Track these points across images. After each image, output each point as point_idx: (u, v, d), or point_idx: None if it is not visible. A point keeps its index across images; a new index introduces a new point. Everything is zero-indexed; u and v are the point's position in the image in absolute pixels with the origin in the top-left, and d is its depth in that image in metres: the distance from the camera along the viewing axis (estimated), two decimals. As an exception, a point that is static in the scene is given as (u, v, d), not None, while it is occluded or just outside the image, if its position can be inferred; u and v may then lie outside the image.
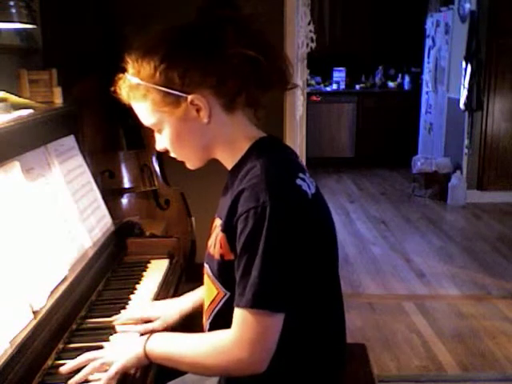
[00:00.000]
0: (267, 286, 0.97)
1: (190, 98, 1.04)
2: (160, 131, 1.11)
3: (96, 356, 1.13)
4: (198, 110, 1.06)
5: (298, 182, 1.03)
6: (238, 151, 1.11)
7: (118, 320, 1.34)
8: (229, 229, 1.04)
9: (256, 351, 1.00)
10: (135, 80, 1.06)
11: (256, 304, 0.97)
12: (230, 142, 1.11)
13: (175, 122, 1.07)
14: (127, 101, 1.10)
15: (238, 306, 1.00)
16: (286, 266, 0.99)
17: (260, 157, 1.05)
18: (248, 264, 0.98)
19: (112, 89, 1.10)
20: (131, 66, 1.07)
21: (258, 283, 0.96)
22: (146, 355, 1.10)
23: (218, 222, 1.11)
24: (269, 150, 1.08)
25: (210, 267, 1.14)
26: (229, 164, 1.14)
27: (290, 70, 1.11)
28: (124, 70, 1.08)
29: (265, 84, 1.08)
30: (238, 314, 1.00)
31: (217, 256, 1.08)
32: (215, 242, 1.10)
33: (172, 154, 1.15)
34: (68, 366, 1.12)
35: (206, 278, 1.17)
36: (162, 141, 1.13)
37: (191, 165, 1.16)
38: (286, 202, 0.99)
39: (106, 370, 1.10)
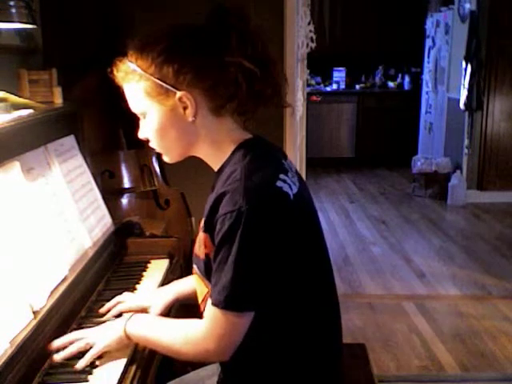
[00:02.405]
0: (237, 291, 1.01)
1: (178, 94, 1.06)
2: (145, 118, 1.13)
3: (81, 336, 1.20)
4: (184, 108, 1.08)
5: (279, 183, 1.04)
6: (223, 153, 1.12)
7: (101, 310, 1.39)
8: (210, 228, 1.06)
9: (222, 344, 1.05)
10: (133, 66, 1.08)
11: (226, 306, 1.02)
12: (216, 143, 1.13)
13: (162, 113, 1.09)
14: (121, 82, 1.12)
15: (210, 301, 1.04)
16: (258, 271, 1.02)
17: (241, 160, 1.07)
18: (220, 264, 1.02)
19: (109, 69, 1.12)
20: (131, 52, 1.09)
21: (229, 287, 1.00)
22: (127, 336, 1.17)
23: (203, 222, 1.13)
24: (251, 153, 1.09)
25: (197, 267, 1.17)
26: (214, 164, 1.16)
27: (285, 88, 1.13)
28: (125, 54, 1.11)
29: (258, 97, 1.09)
30: (210, 308, 1.05)
31: (202, 256, 1.11)
32: (199, 243, 1.13)
33: (151, 144, 1.16)
34: (56, 342, 1.19)
35: (196, 277, 1.20)
36: (146, 129, 1.14)
37: (169, 158, 1.18)
38: (263, 207, 1.01)
39: (90, 348, 1.17)
